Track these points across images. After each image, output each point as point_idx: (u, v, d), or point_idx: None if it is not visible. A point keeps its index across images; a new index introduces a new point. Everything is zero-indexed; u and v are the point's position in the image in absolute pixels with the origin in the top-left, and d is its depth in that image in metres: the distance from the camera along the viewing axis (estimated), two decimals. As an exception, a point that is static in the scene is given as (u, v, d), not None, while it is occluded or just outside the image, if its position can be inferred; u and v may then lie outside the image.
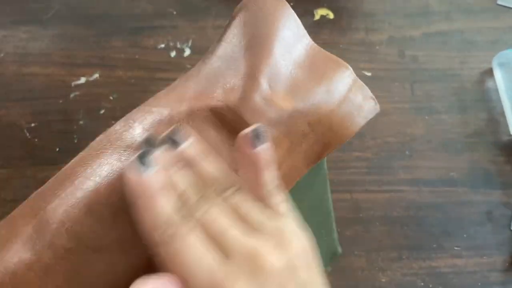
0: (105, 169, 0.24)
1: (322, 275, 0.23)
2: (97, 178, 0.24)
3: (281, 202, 0.24)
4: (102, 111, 0.49)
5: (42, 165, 0.47)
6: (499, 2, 0.57)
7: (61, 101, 0.50)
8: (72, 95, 0.50)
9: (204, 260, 0.21)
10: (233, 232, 0.22)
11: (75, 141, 0.48)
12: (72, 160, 0.25)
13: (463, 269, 0.43)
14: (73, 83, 0.51)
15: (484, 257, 0.43)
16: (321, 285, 0.22)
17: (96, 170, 0.24)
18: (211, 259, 0.21)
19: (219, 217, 0.22)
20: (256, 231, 0.22)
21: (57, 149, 0.47)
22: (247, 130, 0.23)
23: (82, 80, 0.51)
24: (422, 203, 0.45)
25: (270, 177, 0.23)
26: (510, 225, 0.44)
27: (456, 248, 0.44)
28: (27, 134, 0.48)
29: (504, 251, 0.43)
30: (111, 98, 0.50)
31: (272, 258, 0.21)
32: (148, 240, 0.21)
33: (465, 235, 0.44)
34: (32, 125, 0.49)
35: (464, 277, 0.42)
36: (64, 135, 0.48)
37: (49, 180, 0.25)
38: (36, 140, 0.48)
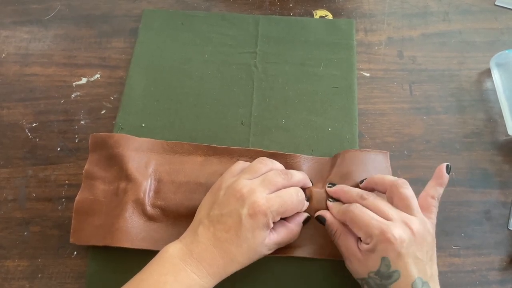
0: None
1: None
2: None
3: (435, 207, 0.38)
4: (103, 111, 0.50)
5: (43, 165, 0.47)
6: (497, 3, 0.57)
7: (62, 101, 0.51)
8: (73, 95, 0.51)
9: (375, 217, 0.36)
10: (393, 211, 0.36)
11: (76, 141, 0.48)
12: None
13: (461, 268, 0.43)
14: (74, 83, 0.52)
15: (482, 256, 0.43)
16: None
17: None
18: (380, 219, 0.36)
19: (380, 202, 0.37)
20: (413, 214, 0.36)
21: (58, 149, 0.48)
22: (444, 164, 0.39)
23: (83, 80, 0.52)
24: (420, 202, 0.46)
25: (440, 191, 0.38)
26: (508, 224, 0.44)
27: (454, 247, 0.44)
28: (29, 134, 0.49)
29: (502, 250, 0.44)
30: (112, 98, 0.51)
31: (417, 226, 0.35)
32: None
33: (463, 234, 0.44)
34: (34, 125, 0.49)
35: (462, 276, 0.43)
36: (65, 135, 0.48)
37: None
38: (37, 140, 0.48)
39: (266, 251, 0.38)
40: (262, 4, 0.57)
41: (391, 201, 0.38)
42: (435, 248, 0.36)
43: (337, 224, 0.39)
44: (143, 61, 0.52)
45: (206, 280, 0.35)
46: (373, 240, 0.35)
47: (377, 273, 0.35)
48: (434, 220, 0.38)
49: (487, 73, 0.53)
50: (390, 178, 0.39)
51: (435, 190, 0.38)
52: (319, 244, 0.41)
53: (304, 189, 0.41)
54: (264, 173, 0.39)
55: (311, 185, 0.42)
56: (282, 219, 0.39)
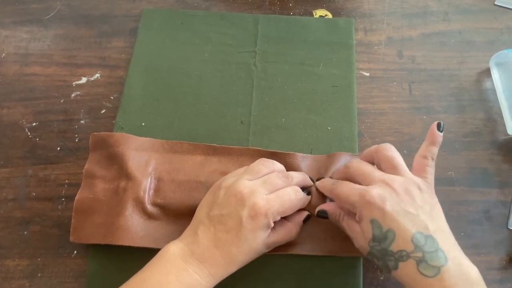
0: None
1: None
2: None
3: (430, 166, 0.37)
4: (103, 111, 0.50)
5: (43, 164, 0.47)
6: (496, 3, 0.57)
7: (62, 101, 0.51)
8: (73, 95, 0.51)
9: (355, 186, 0.37)
10: (376, 173, 0.37)
11: (76, 140, 0.48)
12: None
13: (461, 267, 0.43)
14: (74, 83, 0.52)
15: (482, 256, 0.43)
16: (433, 206, 0.35)
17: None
18: (360, 186, 0.36)
19: (363, 166, 0.38)
20: (400, 174, 0.36)
21: (58, 149, 0.48)
22: (436, 122, 0.38)
23: (83, 80, 0.52)
24: (420, 202, 0.46)
25: (434, 150, 0.38)
26: (507, 224, 0.44)
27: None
28: (29, 134, 0.49)
29: (502, 249, 0.44)
30: (112, 98, 0.51)
31: (398, 184, 0.35)
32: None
33: (462, 234, 0.44)
34: (34, 124, 0.49)
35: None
36: (65, 134, 0.49)
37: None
38: (37, 139, 0.48)
39: (265, 249, 0.38)
40: (262, 3, 0.57)
41: (379, 168, 0.38)
42: (437, 205, 0.36)
43: (338, 209, 0.39)
44: (142, 61, 0.52)
45: (207, 280, 0.35)
46: (357, 207, 0.35)
47: (374, 238, 0.34)
48: (430, 179, 0.37)
49: (487, 72, 0.53)
50: (373, 146, 0.39)
51: (427, 149, 0.38)
52: (320, 241, 0.42)
53: (304, 188, 0.42)
54: (265, 175, 0.39)
55: (312, 184, 0.42)
56: (282, 217, 0.39)
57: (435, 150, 0.38)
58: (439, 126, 0.38)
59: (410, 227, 0.33)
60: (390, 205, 0.34)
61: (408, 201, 0.34)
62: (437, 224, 0.34)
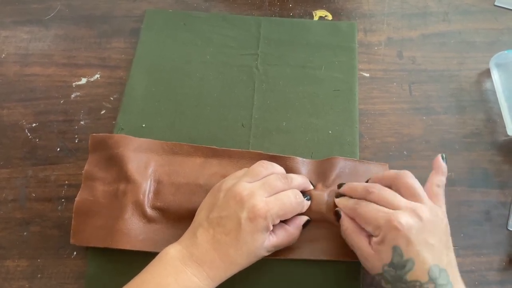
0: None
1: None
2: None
3: (442, 195, 0.38)
4: (103, 112, 0.50)
5: (43, 165, 0.47)
6: (497, 3, 0.58)
7: (62, 102, 0.51)
8: (73, 96, 0.51)
9: (382, 209, 0.36)
10: (400, 200, 0.36)
11: (76, 141, 0.48)
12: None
13: (461, 268, 0.42)
14: (74, 84, 0.52)
15: (482, 256, 0.43)
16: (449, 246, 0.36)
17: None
18: (386, 209, 0.36)
19: (386, 193, 0.38)
20: (420, 202, 0.36)
21: (58, 149, 0.48)
22: (439, 155, 0.40)
23: (83, 80, 0.52)
24: (420, 202, 0.46)
25: (443, 180, 0.39)
26: (507, 225, 0.44)
27: (453, 247, 0.44)
28: (28, 134, 0.49)
29: (502, 250, 0.44)
30: (111, 98, 0.51)
31: (426, 213, 0.35)
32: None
33: (462, 234, 0.44)
34: (33, 125, 0.49)
35: (461, 276, 0.42)
36: (65, 135, 0.49)
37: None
38: (37, 140, 0.48)
39: (264, 253, 0.38)
40: (261, 4, 0.57)
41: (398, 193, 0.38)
42: (449, 236, 0.36)
43: (348, 222, 0.39)
44: (144, 61, 0.52)
45: (206, 282, 0.35)
46: (382, 231, 0.35)
47: (391, 264, 0.35)
48: (444, 208, 0.38)
49: (487, 73, 0.53)
50: (391, 172, 0.40)
51: (438, 179, 0.39)
52: (319, 246, 0.41)
53: (304, 192, 0.41)
54: (265, 177, 0.39)
55: (312, 187, 0.42)
56: (282, 221, 0.39)
57: (444, 179, 0.39)
58: (443, 158, 0.40)
59: (429, 260, 0.34)
60: (415, 235, 0.34)
61: (430, 231, 0.35)
62: (449, 257, 0.35)
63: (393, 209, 0.36)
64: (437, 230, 0.35)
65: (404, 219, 0.34)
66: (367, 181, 0.42)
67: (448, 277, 0.34)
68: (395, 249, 0.34)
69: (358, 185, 0.40)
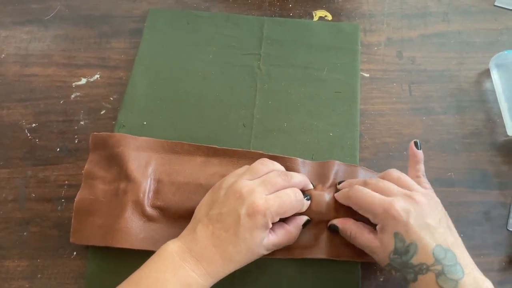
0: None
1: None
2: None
3: (427, 183, 0.40)
4: (102, 112, 0.50)
5: (43, 165, 0.47)
6: (496, 4, 0.58)
7: (62, 102, 0.51)
8: (73, 96, 0.51)
9: (377, 196, 0.37)
10: (395, 188, 0.38)
11: (76, 141, 0.48)
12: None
13: (461, 268, 0.43)
14: (74, 84, 0.52)
15: (482, 257, 0.43)
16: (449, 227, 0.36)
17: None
18: (381, 196, 0.37)
19: (382, 183, 0.39)
20: (410, 190, 0.38)
21: (58, 149, 0.48)
22: (412, 142, 0.41)
23: (83, 80, 0.52)
24: (419, 203, 0.46)
25: (422, 167, 0.40)
26: (507, 225, 0.44)
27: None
28: (28, 134, 0.49)
29: (501, 250, 0.44)
30: (111, 98, 0.51)
31: (420, 197, 0.36)
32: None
33: (462, 235, 0.44)
34: (33, 125, 0.49)
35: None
36: (65, 135, 0.49)
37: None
38: (37, 140, 0.48)
39: (264, 251, 0.38)
40: (261, 4, 0.57)
41: None
42: (448, 217, 0.37)
43: (350, 226, 0.39)
44: (147, 60, 0.52)
45: (204, 278, 0.35)
46: (380, 219, 0.36)
47: (396, 251, 0.35)
48: (434, 193, 0.39)
49: (487, 73, 0.53)
50: (380, 174, 0.41)
51: (416, 169, 0.40)
52: (319, 246, 0.41)
53: (304, 191, 0.41)
54: (265, 174, 0.39)
55: (311, 187, 0.42)
56: (282, 220, 0.39)
57: (422, 167, 0.40)
58: (416, 145, 0.41)
59: (431, 241, 0.34)
60: (413, 219, 0.34)
61: (429, 213, 0.35)
62: (454, 237, 0.35)
63: (388, 196, 0.37)
64: (434, 212, 0.36)
65: (400, 204, 0.35)
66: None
67: (455, 257, 0.34)
68: (396, 235, 0.35)
69: (357, 180, 0.41)
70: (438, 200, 0.38)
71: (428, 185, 0.39)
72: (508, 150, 0.48)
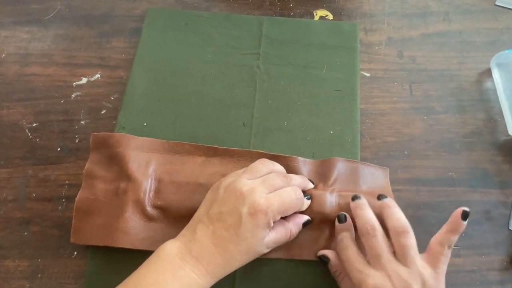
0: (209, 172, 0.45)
1: None
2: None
3: (445, 257, 0.35)
4: (103, 111, 0.50)
5: (43, 165, 0.47)
6: (497, 3, 0.57)
7: (62, 101, 0.51)
8: (73, 95, 0.51)
9: (358, 266, 0.36)
10: (387, 259, 0.35)
11: (76, 141, 0.48)
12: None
13: (462, 268, 0.43)
14: (74, 83, 0.52)
15: (483, 256, 0.43)
16: None
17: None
18: (362, 267, 0.36)
19: (382, 245, 0.36)
20: (407, 265, 0.35)
21: (58, 149, 0.48)
22: (461, 210, 0.35)
23: (83, 80, 0.52)
24: (420, 202, 0.46)
25: (454, 239, 0.36)
26: (508, 224, 0.44)
27: (454, 247, 0.43)
28: (29, 134, 0.49)
29: (502, 250, 0.44)
30: (112, 98, 0.51)
31: (401, 276, 0.34)
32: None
33: (463, 234, 0.44)
34: (34, 125, 0.49)
35: (462, 276, 0.43)
36: (65, 135, 0.48)
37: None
38: (37, 140, 0.48)
39: (264, 249, 0.38)
40: (262, 3, 0.57)
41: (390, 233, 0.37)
42: None
43: (340, 267, 0.39)
44: (146, 60, 0.52)
45: (204, 278, 0.35)
46: (354, 283, 0.36)
47: None
48: (441, 270, 0.35)
49: (487, 73, 0.53)
50: (394, 218, 0.37)
51: (445, 237, 0.36)
52: (319, 246, 0.41)
53: (305, 191, 0.41)
54: (265, 174, 0.39)
55: (312, 186, 0.42)
56: (282, 218, 0.39)
57: (455, 238, 0.36)
58: (465, 216, 0.35)
59: None
60: None
61: None
62: None
63: (372, 260, 0.36)
64: None
65: (373, 282, 0.34)
66: (378, 197, 0.40)
67: None
68: None
69: (366, 216, 0.38)
70: (431, 280, 0.34)
71: (444, 258, 0.35)
72: (509, 150, 0.48)
